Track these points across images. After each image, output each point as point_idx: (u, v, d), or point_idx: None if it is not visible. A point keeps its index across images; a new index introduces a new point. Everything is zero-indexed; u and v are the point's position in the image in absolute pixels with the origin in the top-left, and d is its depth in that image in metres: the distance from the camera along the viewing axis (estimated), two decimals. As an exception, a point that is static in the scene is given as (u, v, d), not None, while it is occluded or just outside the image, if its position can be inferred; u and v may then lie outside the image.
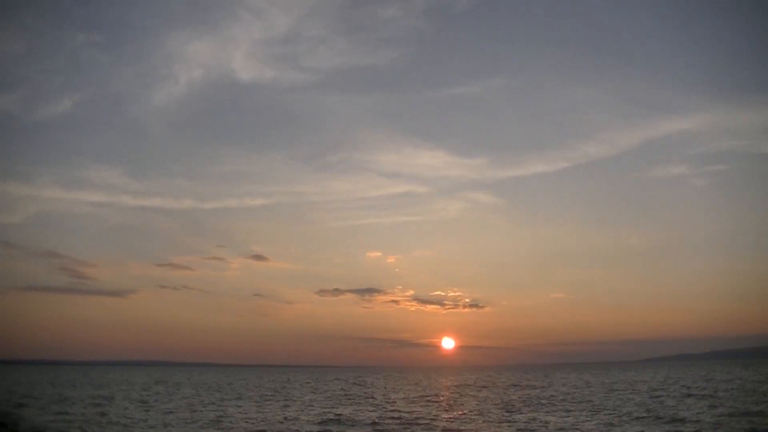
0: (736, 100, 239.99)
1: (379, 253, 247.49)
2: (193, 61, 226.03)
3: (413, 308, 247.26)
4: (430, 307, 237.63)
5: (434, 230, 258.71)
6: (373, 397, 45.54)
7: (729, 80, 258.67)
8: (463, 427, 26.31)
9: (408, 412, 32.61)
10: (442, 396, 47.83)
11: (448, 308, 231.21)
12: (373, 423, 27.92)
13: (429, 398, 44.50)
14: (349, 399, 44.44)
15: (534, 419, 28.62)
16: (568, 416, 29.72)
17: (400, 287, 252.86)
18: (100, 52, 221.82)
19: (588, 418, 28.62)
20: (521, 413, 31.46)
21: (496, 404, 37.49)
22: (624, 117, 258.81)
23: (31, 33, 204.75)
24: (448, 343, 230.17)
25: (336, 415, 31.69)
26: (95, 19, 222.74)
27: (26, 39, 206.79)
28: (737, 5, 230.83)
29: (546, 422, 27.35)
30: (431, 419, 29.40)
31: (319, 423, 28.45)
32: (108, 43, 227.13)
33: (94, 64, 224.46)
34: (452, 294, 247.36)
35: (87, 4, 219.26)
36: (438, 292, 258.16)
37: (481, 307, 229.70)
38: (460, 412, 32.87)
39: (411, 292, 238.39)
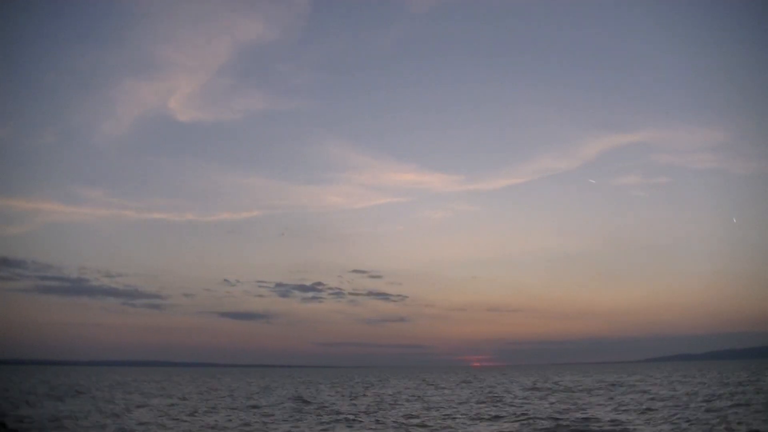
0: (686, 119, 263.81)
1: (372, 258, 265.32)
2: (136, 99, 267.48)
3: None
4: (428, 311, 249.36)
5: (422, 237, 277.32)
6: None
7: (676, 100, 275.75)
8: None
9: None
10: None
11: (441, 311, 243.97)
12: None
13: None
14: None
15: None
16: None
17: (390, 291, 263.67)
18: (67, 91, 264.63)
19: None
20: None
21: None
22: (583, 132, 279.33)
23: (10, 73, 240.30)
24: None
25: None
26: (59, 63, 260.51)
27: (8, 79, 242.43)
28: (687, 33, 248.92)
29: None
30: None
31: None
32: (72, 84, 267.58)
33: (64, 101, 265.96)
34: (442, 297, 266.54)
35: (54, 51, 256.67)
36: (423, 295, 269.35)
37: (473, 309, 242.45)
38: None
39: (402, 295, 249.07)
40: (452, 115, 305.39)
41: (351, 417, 29.17)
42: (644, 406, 30.88)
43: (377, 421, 27.66)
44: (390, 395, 45.31)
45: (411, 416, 29.18)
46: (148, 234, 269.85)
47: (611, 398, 37.04)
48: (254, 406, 35.92)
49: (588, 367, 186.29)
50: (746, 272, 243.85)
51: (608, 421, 25.24)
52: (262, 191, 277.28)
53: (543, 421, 25.70)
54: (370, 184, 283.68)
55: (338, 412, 31.47)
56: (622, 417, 26.53)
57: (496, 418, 28.05)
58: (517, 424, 25.39)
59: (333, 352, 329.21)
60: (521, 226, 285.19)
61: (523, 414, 28.84)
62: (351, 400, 41.20)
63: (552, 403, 34.38)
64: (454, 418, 28.42)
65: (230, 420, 28.49)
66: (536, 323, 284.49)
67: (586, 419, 25.96)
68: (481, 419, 27.75)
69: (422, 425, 25.80)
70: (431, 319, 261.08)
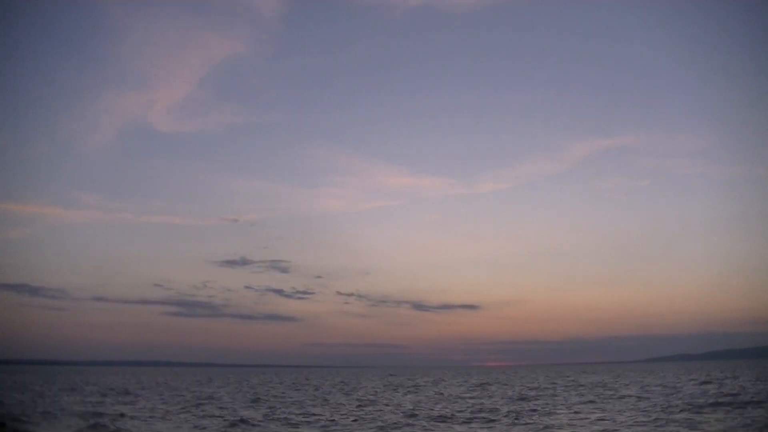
0: (668, 125, 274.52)
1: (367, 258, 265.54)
2: (120, 110, 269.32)
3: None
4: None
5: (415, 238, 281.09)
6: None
7: (660, 106, 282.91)
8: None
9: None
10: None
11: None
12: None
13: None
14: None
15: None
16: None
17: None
18: (51, 102, 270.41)
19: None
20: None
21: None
22: (570, 136, 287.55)
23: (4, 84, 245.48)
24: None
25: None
26: (51, 76, 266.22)
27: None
28: (671, 41, 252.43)
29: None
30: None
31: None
32: (55, 96, 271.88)
33: (50, 112, 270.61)
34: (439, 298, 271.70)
35: (46, 64, 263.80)
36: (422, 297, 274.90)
37: (474, 307, 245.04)
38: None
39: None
40: (443, 120, 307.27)
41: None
42: None
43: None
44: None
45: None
46: (146, 237, 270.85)
47: None
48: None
49: (590, 368, 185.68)
50: (746, 273, 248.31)
51: None
52: (258, 195, 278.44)
53: None
54: (364, 187, 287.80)
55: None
56: None
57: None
58: None
59: (325, 352, 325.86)
60: (515, 228, 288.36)
61: None
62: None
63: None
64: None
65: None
66: (533, 323, 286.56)
67: None
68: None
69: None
70: (424, 319, 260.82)
